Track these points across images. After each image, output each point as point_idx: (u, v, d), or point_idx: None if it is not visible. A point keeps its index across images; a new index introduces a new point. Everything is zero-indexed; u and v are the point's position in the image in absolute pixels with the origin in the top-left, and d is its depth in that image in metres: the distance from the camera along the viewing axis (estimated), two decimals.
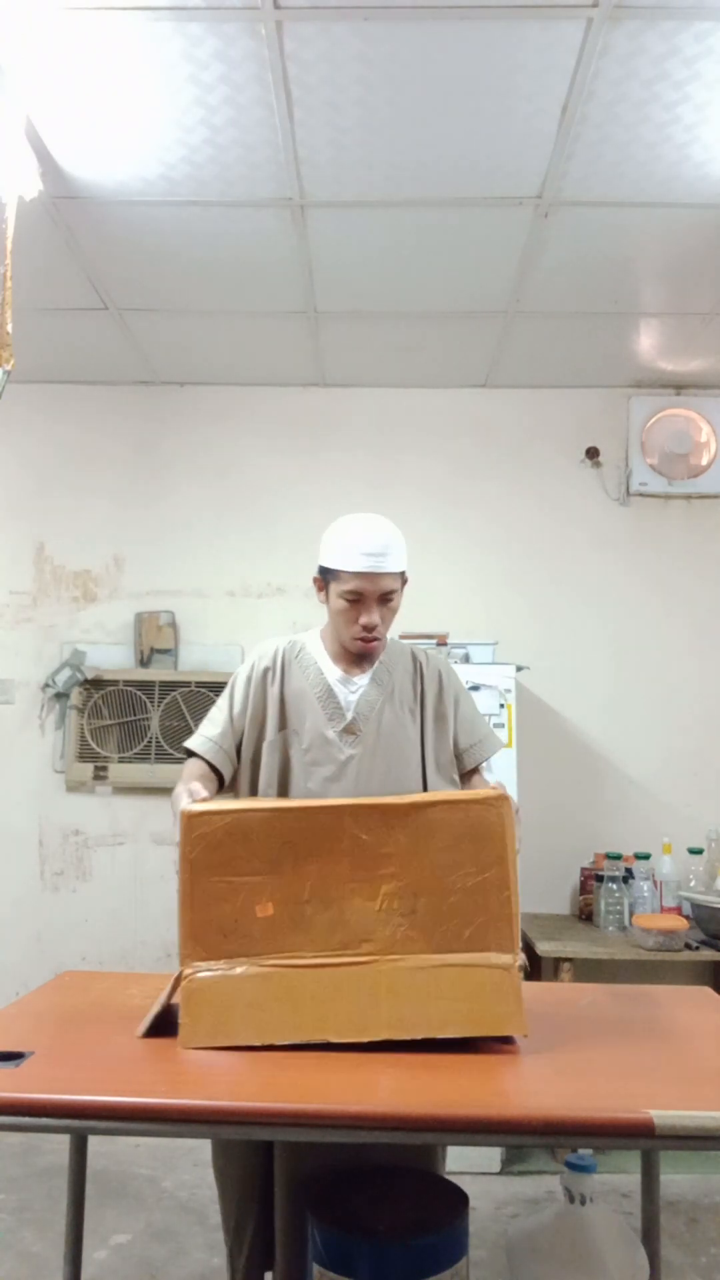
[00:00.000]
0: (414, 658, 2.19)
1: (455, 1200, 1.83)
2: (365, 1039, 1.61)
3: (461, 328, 3.48)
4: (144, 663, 3.89)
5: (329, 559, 2.04)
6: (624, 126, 2.35)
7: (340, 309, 3.35)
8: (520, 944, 1.68)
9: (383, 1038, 1.61)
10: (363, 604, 2.02)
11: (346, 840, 1.67)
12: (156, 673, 3.85)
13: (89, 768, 3.82)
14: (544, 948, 3.24)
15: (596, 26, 2.03)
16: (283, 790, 2.08)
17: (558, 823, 3.72)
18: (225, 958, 1.64)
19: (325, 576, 2.06)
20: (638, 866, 3.49)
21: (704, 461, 3.90)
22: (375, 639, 2.06)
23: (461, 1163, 2.95)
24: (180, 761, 2.17)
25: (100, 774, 3.82)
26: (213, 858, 1.66)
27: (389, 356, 3.73)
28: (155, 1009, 1.71)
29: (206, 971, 1.64)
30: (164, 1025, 1.69)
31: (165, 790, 3.66)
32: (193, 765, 2.07)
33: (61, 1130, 1.58)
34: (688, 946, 3.23)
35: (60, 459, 4.00)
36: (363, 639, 2.05)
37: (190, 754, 2.11)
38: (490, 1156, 3.15)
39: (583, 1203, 1.84)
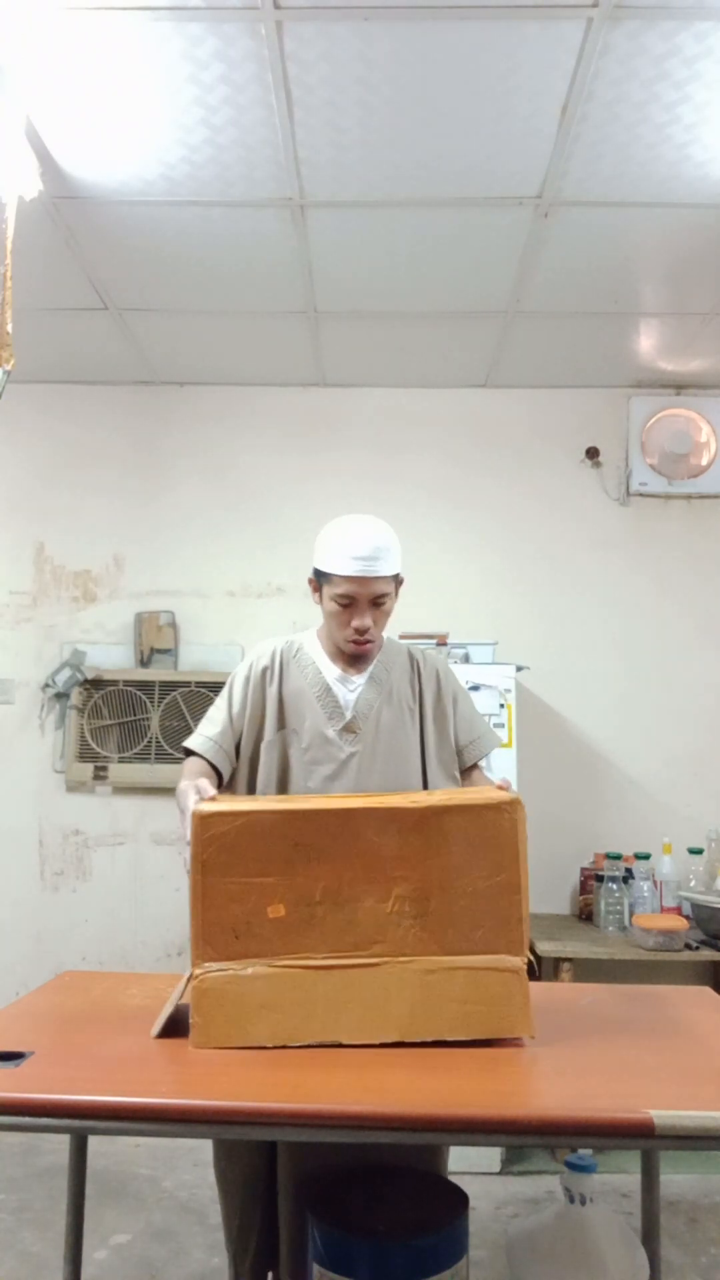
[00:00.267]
0: (411, 657, 2.19)
1: (455, 1200, 1.84)
2: (377, 1041, 1.61)
3: (461, 328, 3.48)
4: (144, 663, 3.89)
5: (322, 562, 2.04)
6: (624, 126, 2.35)
7: (340, 309, 3.35)
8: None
9: (393, 1040, 1.61)
10: (355, 607, 2.02)
11: (359, 842, 1.67)
12: (156, 673, 3.85)
13: (89, 768, 3.82)
14: (544, 948, 3.24)
15: (596, 26, 2.03)
16: (281, 789, 2.09)
17: (558, 823, 3.72)
18: (237, 958, 1.64)
19: (319, 579, 2.07)
20: (638, 866, 3.49)
21: (704, 461, 3.90)
22: (368, 641, 2.06)
23: (461, 1163, 2.95)
24: (180, 761, 2.17)
25: (100, 774, 3.82)
26: (225, 858, 1.66)
27: (389, 356, 3.73)
28: (168, 1009, 1.71)
29: (218, 972, 1.64)
30: (173, 1026, 1.69)
31: (165, 790, 3.67)
32: (192, 764, 2.07)
33: (61, 1130, 1.58)
34: (688, 946, 3.23)
35: (60, 459, 4.00)
36: (355, 641, 2.05)
37: (189, 753, 2.11)
38: (490, 1156, 3.16)
39: (583, 1203, 1.84)
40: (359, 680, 2.11)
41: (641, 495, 3.93)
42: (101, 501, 3.99)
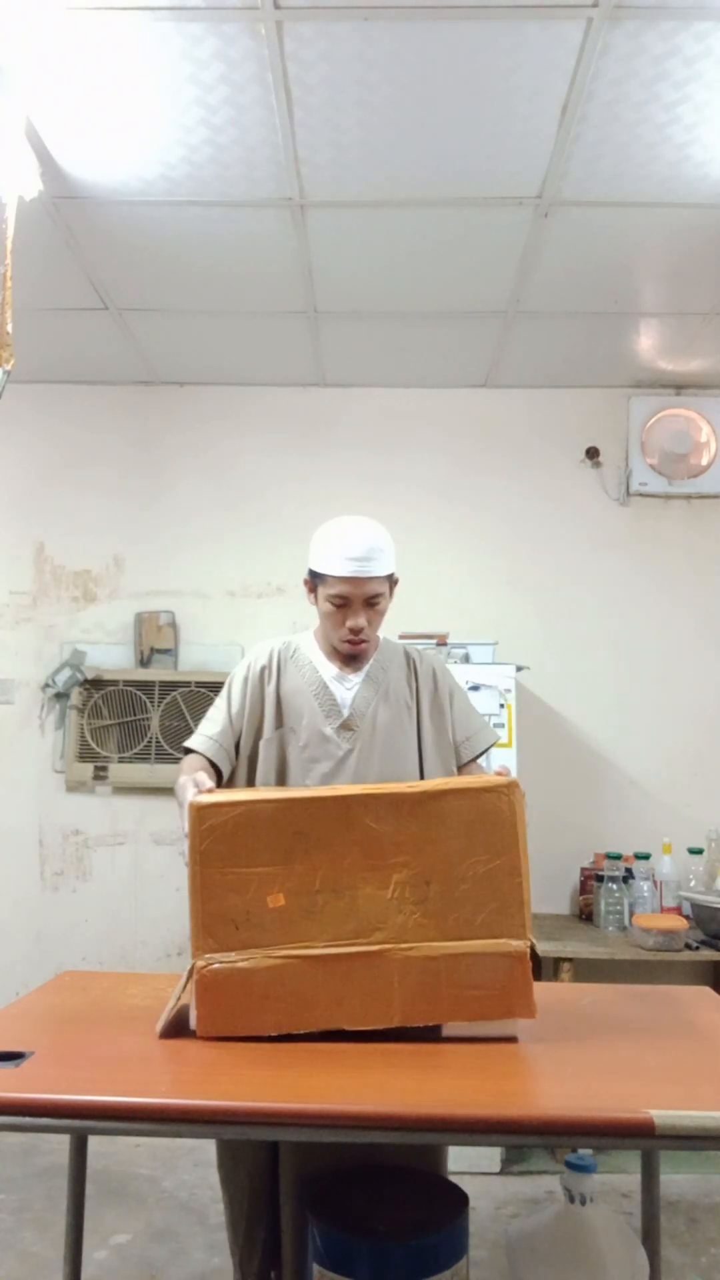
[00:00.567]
0: (407, 655, 2.21)
1: (455, 1200, 1.84)
2: (379, 1026, 1.62)
3: (461, 328, 3.48)
4: (144, 663, 3.89)
5: (316, 563, 2.06)
6: (624, 126, 2.35)
7: (340, 309, 3.35)
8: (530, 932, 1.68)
9: (396, 1025, 1.62)
10: (349, 607, 2.04)
11: (357, 829, 1.67)
12: (156, 673, 3.85)
13: (89, 768, 3.82)
14: (544, 948, 3.23)
15: (596, 26, 2.03)
16: (280, 786, 2.09)
17: (558, 823, 3.72)
18: (238, 948, 1.65)
19: (314, 580, 2.09)
20: (638, 866, 3.49)
21: (704, 461, 3.90)
22: (363, 641, 2.08)
23: (461, 1163, 2.95)
24: (180, 761, 2.18)
25: (100, 774, 3.82)
26: (223, 849, 1.66)
27: (389, 356, 3.73)
28: (172, 1005, 1.71)
29: (220, 963, 1.64)
30: (175, 1026, 1.69)
31: (165, 790, 3.67)
32: (192, 761, 2.07)
33: (62, 1130, 1.58)
34: (688, 946, 3.23)
35: (60, 459, 4.00)
36: (350, 641, 2.07)
37: (189, 752, 2.12)
38: (490, 1156, 3.16)
39: (583, 1203, 1.84)
40: (356, 679, 2.13)
41: (641, 495, 3.93)
42: (101, 501, 3.99)
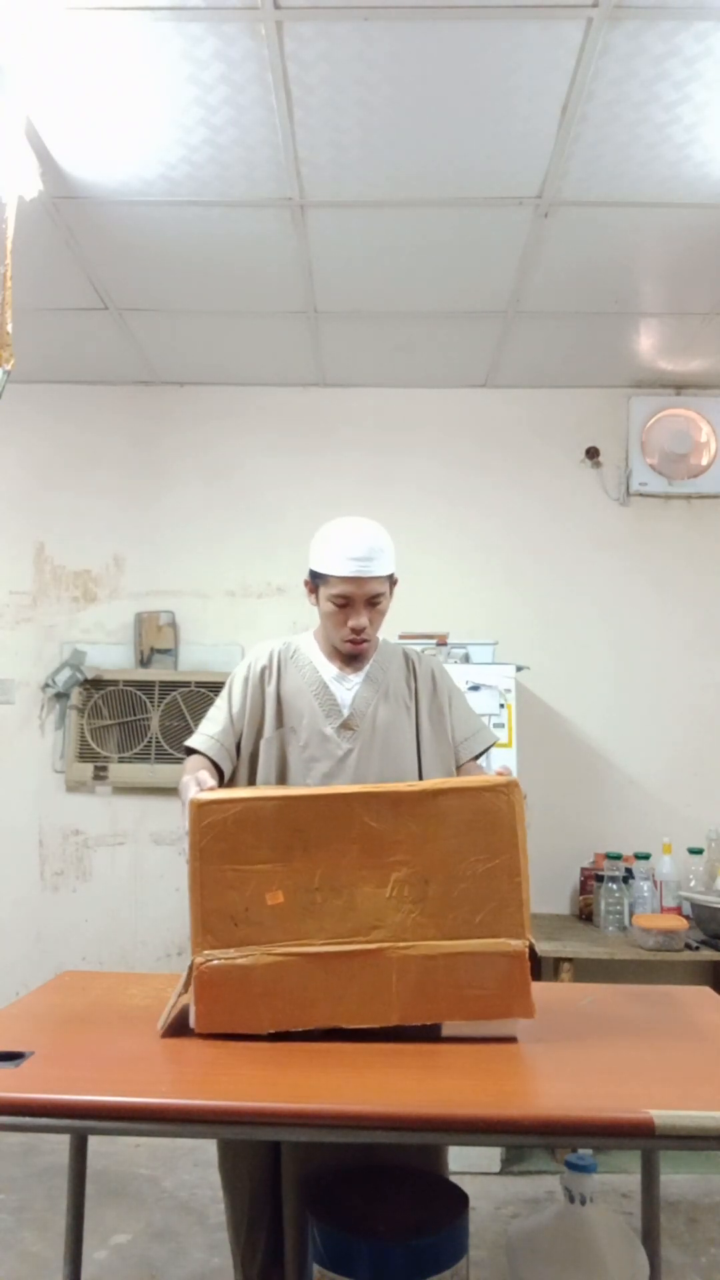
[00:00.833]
0: (406, 656, 2.23)
1: (455, 1200, 1.84)
2: (377, 1024, 1.62)
3: (461, 328, 3.48)
4: (144, 663, 3.89)
5: (317, 563, 2.08)
6: (624, 126, 2.35)
7: (340, 309, 3.35)
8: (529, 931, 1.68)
9: (394, 1023, 1.62)
10: (350, 608, 2.05)
11: (356, 828, 1.67)
12: (156, 673, 3.85)
13: (89, 768, 3.82)
14: (544, 948, 3.23)
15: (596, 26, 2.03)
16: (280, 785, 2.09)
17: (558, 823, 3.72)
18: (236, 945, 1.65)
19: (315, 580, 2.10)
20: (638, 866, 3.49)
21: (704, 461, 3.90)
22: (364, 641, 2.09)
23: (461, 1163, 2.95)
24: (180, 761, 2.19)
25: (100, 774, 3.82)
26: (223, 846, 1.67)
27: (389, 356, 3.73)
28: (173, 1004, 1.71)
29: (219, 959, 1.64)
30: (175, 1026, 1.69)
31: (165, 790, 3.67)
32: (194, 761, 2.08)
33: (62, 1130, 1.58)
34: (688, 946, 3.23)
35: (60, 459, 4.00)
36: (352, 641, 2.08)
37: (191, 752, 2.13)
38: (490, 1156, 3.15)
39: (583, 1203, 1.84)
40: (356, 679, 2.14)
41: (641, 495, 3.93)
42: (101, 502, 3.99)
